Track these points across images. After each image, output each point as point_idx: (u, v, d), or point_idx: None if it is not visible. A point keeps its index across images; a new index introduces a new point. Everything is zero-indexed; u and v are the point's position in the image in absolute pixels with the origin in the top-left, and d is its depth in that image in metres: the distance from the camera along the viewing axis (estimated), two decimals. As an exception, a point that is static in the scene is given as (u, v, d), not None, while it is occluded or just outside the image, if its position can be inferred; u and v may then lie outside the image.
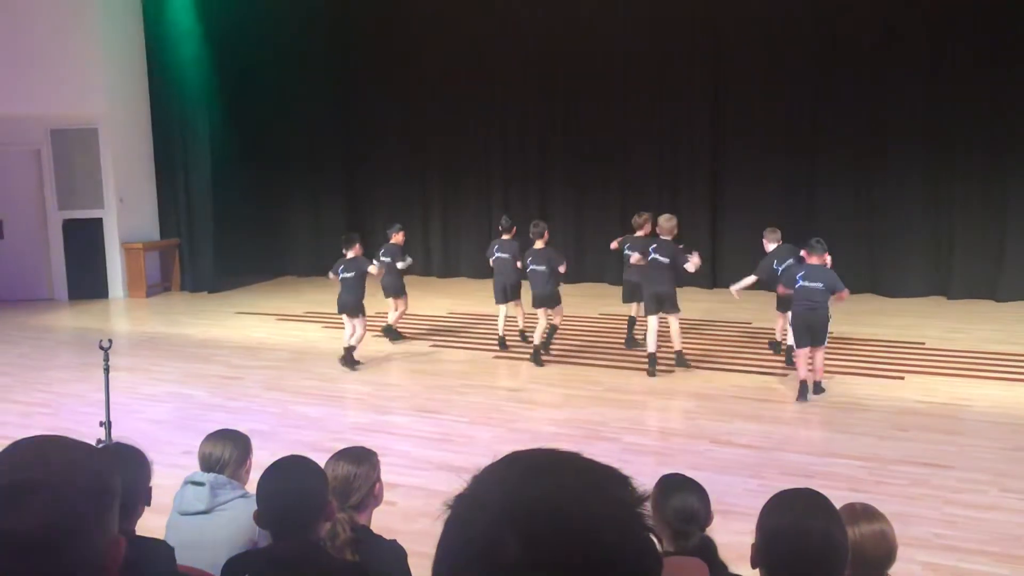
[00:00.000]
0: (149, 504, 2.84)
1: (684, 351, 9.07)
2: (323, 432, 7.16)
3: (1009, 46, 11.73)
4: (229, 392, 8.56)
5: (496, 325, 10.20)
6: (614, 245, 10.22)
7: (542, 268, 9.37)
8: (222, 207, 14.81)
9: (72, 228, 14.12)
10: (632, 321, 10.05)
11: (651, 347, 8.85)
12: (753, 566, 2.23)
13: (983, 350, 9.47)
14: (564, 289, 10.11)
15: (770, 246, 9.30)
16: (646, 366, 8.88)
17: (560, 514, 0.84)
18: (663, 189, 13.90)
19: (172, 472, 4.30)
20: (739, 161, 13.46)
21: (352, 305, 9.43)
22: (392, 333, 10.66)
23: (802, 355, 7.84)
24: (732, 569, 2.98)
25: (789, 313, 8.21)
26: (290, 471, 2.61)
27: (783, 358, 9.17)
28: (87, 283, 14.15)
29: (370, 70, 15.56)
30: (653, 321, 8.84)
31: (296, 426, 7.43)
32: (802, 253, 8.28)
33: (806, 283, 7.75)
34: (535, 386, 8.65)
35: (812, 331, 7.74)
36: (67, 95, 13.63)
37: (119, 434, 6.10)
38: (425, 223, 15.78)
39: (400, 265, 10.43)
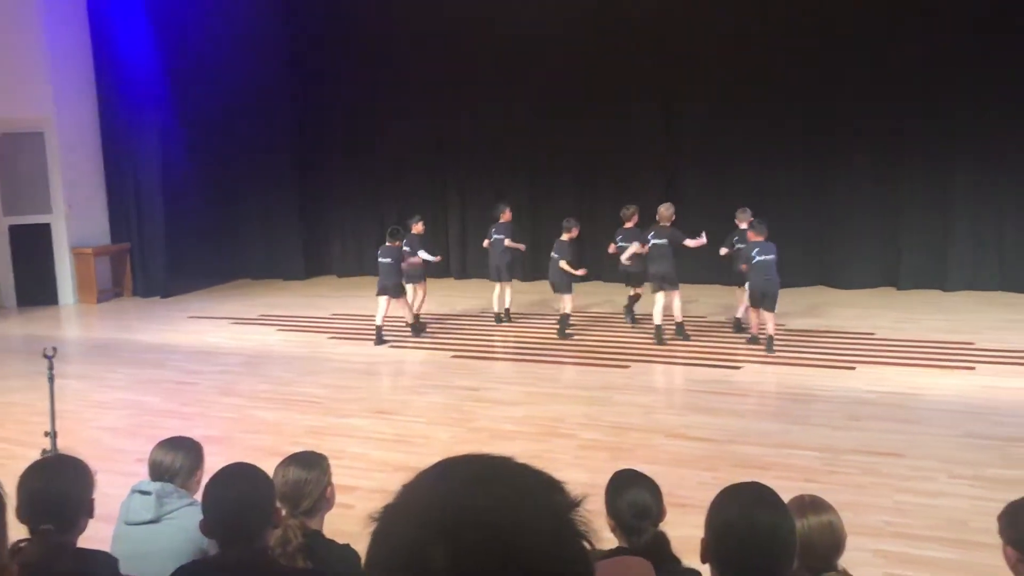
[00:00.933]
0: (92, 516, 2.79)
1: (684, 323, 10.08)
2: (279, 436, 7.08)
3: (953, 47, 11.94)
4: (183, 398, 8.44)
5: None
6: (612, 248, 10.78)
7: (556, 256, 10.51)
8: (174, 210, 14.60)
9: (19, 234, 13.83)
10: (633, 299, 11.01)
11: (657, 319, 9.88)
12: (703, 561, 2.25)
13: (932, 339, 9.65)
14: (522, 286, 10.33)
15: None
16: (607, 361, 8.93)
17: (488, 523, 0.83)
18: (620, 190, 13.97)
19: (124, 480, 4.21)
20: (693, 162, 13.57)
21: (391, 287, 10.26)
22: (417, 328, 10.74)
23: (757, 313, 9.39)
24: (685, 562, 3.00)
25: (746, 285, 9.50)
26: (235, 479, 2.57)
27: (748, 345, 9.60)
28: (36, 289, 13.87)
29: (323, 67, 15.42)
30: (660, 297, 9.86)
31: (252, 431, 7.35)
32: (749, 235, 9.55)
33: (762, 258, 9.19)
34: (493, 384, 8.65)
35: (768, 298, 9.22)
36: (11, 98, 13.34)
37: (69, 443, 6.00)
38: (380, 223, 15.64)
39: (424, 256, 10.92)
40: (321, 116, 15.64)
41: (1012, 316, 10.77)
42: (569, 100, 14.10)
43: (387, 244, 10.43)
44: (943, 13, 12.00)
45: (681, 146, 13.74)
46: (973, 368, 8.51)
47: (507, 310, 11.45)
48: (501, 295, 11.37)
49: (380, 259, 10.37)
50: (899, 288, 12.61)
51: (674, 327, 10.03)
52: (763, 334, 9.40)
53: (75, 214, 14.07)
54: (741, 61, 13.05)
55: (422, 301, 11.24)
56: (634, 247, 10.07)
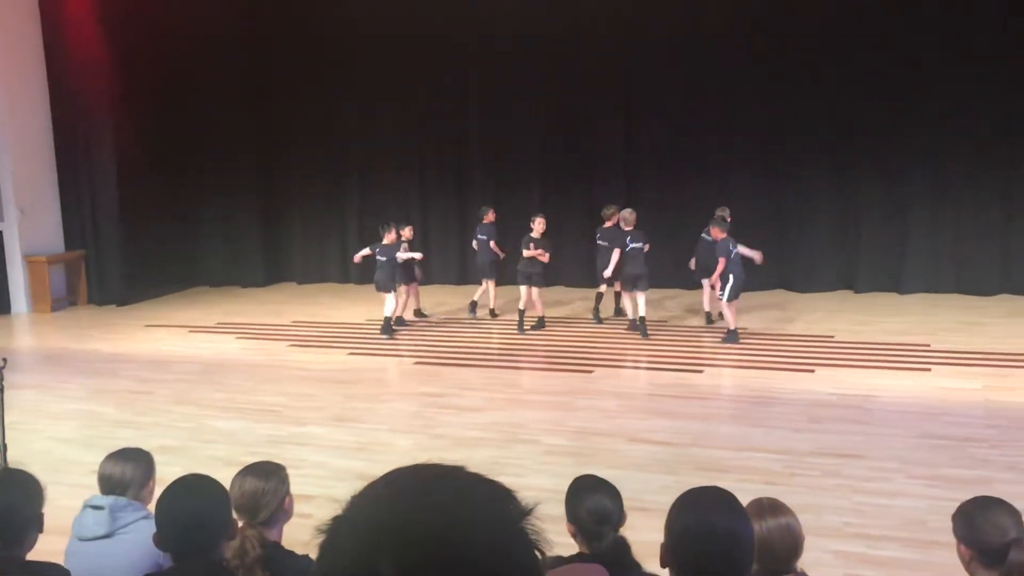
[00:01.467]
0: (42, 531, 2.72)
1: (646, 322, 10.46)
2: (237, 446, 6.99)
3: (912, 50, 12.15)
4: (138, 408, 8.29)
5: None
6: (616, 258, 10.87)
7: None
8: (130, 216, 14.32)
9: (-30, 242, 13.54)
10: (599, 297, 11.46)
11: (639, 314, 10.45)
12: (663, 565, 2.24)
13: (889, 341, 9.79)
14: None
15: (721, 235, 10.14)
16: (570, 366, 8.94)
17: (436, 536, 0.81)
18: (581, 193, 14.04)
19: (78, 492, 4.13)
20: (651, 165, 13.65)
21: (383, 282, 10.74)
22: (389, 329, 10.92)
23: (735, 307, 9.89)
24: (646, 567, 3.00)
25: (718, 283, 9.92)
26: (188, 491, 2.52)
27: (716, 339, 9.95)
28: (-13, 299, 13.58)
29: (284, 72, 15.28)
30: (640, 298, 10.45)
31: (209, 441, 7.24)
32: (712, 232, 10.15)
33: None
34: (456, 390, 8.61)
35: (742, 288, 10.04)
36: (-40, 103, 13.09)
37: (21, 454, 5.87)
38: (342, 230, 15.58)
39: (401, 256, 11.08)
40: (283, 122, 15.48)
41: (966, 318, 10.96)
42: (530, 104, 14.13)
43: (384, 242, 10.85)
44: (897, 22, 12.20)
45: (640, 151, 13.79)
46: (929, 369, 8.64)
47: (491, 310, 11.86)
48: (486, 292, 11.78)
49: (377, 256, 10.79)
50: (857, 291, 12.78)
51: (638, 320, 10.49)
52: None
53: (29, 221, 13.79)
54: (700, 68, 13.15)
55: (405, 304, 11.46)
56: (616, 253, 10.50)
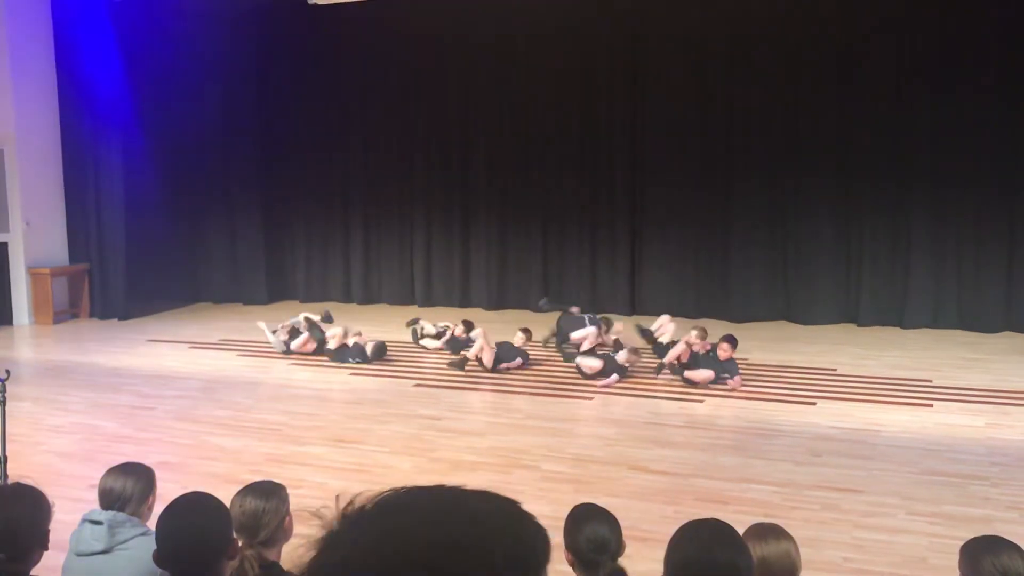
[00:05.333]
0: (46, 548, 2.71)
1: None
2: (237, 464, 6.97)
3: (918, 82, 12.21)
4: (139, 423, 8.28)
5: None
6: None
7: None
8: (135, 231, 14.37)
9: (-25, 252, 13.58)
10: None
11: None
12: (663, 597, 2.24)
13: (892, 376, 9.76)
14: (487, 315, 10.32)
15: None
16: (571, 392, 8.92)
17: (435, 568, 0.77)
18: (583, 223, 14.09)
19: (77, 507, 4.12)
20: (657, 195, 13.67)
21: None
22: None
23: None
24: (646, 599, 2.98)
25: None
26: (190, 508, 2.52)
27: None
28: (-10, 309, 13.59)
29: (292, 90, 15.37)
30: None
31: (209, 458, 7.22)
32: (722, 350, 9.51)
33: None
34: (456, 414, 8.59)
35: None
36: (-29, 115, 13.18)
37: (19, 467, 5.85)
38: (346, 248, 15.61)
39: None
40: (288, 139, 15.56)
41: (969, 355, 10.93)
42: (535, 132, 14.21)
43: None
44: (903, 54, 12.26)
45: (644, 184, 13.81)
46: (931, 405, 8.61)
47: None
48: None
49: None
50: (859, 325, 12.76)
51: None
52: None
53: (33, 233, 13.84)
54: (703, 104, 13.24)
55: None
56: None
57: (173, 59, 14.83)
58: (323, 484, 6.49)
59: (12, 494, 2.79)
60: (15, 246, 13.73)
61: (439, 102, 14.67)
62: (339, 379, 10.06)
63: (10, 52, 13.36)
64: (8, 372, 5.03)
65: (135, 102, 14.44)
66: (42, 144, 13.99)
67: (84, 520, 3.25)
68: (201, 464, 7.02)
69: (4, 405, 4.91)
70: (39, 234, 13.96)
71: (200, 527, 2.47)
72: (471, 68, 14.40)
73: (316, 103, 15.21)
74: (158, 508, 3.25)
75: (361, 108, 15.00)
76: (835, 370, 10.10)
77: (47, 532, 2.72)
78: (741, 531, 2.33)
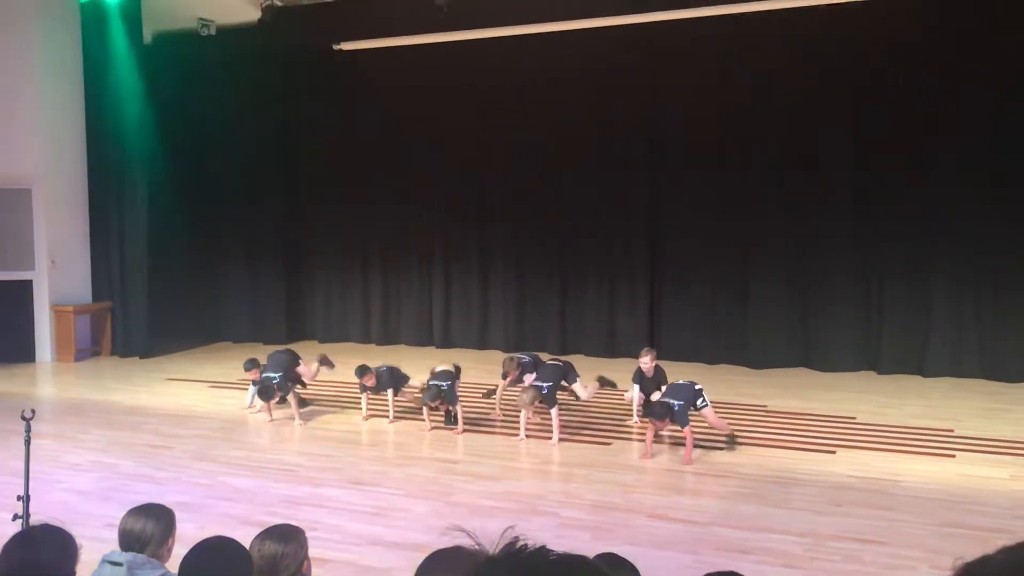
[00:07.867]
0: (73, 590, 2.72)
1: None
2: (253, 505, 6.96)
3: (936, 130, 12.20)
4: (157, 462, 8.30)
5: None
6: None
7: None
8: (157, 270, 14.54)
9: (1, 290, 13.73)
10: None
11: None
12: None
13: (912, 425, 9.65)
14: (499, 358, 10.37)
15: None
16: (588, 437, 8.87)
17: None
18: (602, 269, 14.13)
19: (94, 546, 4.11)
20: (676, 238, 13.68)
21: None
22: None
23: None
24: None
25: None
26: (213, 553, 2.53)
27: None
28: (13, 346, 13.68)
29: (316, 134, 15.58)
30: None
31: (226, 498, 7.22)
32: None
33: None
34: (473, 458, 8.56)
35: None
36: (0, 154, 13.40)
37: (37, 505, 5.86)
38: (365, 289, 15.70)
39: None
40: (311, 181, 15.75)
41: (991, 405, 10.80)
42: (554, 179, 14.30)
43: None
44: (922, 98, 12.25)
45: (663, 229, 13.84)
46: (953, 456, 8.51)
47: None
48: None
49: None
50: (879, 372, 12.65)
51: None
52: None
53: (57, 271, 14.01)
54: (722, 138, 13.28)
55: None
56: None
57: (199, 102, 15.11)
58: (339, 527, 6.47)
59: (41, 535, 2.80)
60: (40, 284, 13.89)
61: (459, 147, 14.81)
62: (356, 420, 10.06)
63: (40, 93, 13.64)
64: (33, 412, 5.07)
65: (161, 144, 14.70)
66: (68, 184, 14.21)
67: (104, 561, 3.25)
68: (218, 504, 7.01)
69: (28, 444, 4.94)
70: (63, 272, 14.13)
71: (223, 571, 2.47)
72: (491, 116, 14.53)
73: (339, 147, 15.38)
74: (177, 549, 3.26)
75: (384, 153, 15.15)
76: (855, 418, 10.01)
77: (73, 574, 2.72)
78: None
